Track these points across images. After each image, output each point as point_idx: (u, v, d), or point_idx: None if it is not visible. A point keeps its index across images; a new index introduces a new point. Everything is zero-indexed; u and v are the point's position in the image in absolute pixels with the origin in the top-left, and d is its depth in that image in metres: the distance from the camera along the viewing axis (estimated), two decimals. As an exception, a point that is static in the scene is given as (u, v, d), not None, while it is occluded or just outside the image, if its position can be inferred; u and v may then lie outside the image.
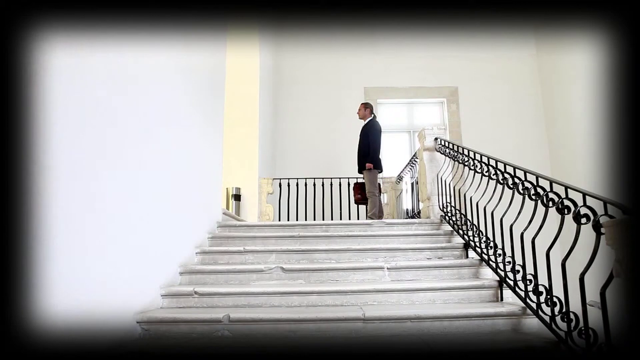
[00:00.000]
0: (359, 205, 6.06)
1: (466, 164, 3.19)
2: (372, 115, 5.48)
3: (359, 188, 5.56)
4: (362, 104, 5.59)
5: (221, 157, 4.01)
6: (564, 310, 1.88)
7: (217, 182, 3.89)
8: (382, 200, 5.71)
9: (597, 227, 1.66)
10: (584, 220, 1.76)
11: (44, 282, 1.49)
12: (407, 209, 5.84)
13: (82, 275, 1.76)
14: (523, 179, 2.30)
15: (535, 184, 2.19)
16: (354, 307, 2.37)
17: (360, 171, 5.33)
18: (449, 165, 3.75)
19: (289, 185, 6.61)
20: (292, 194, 6.71)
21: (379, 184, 5.35)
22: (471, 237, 3.02)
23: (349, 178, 6.29)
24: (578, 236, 1.82)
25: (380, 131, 5.32)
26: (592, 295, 1.81)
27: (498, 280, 2.55)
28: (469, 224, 3.15)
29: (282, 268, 2.80)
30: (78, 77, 1.74)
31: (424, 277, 2.81)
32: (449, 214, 3.60)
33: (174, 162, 2.81)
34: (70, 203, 1.67)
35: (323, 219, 6.63)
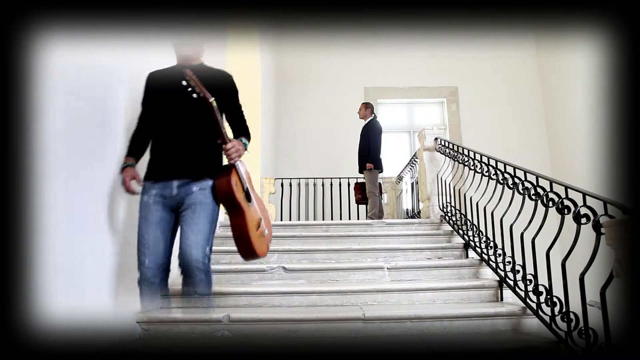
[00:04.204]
0: (359, 205, 6.07)
1: (466, 164, 3.19)
2: (373, 115, 5.48)
3: (360, 188, 5.56)
4: (362, 103, 5.59)
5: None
6: (564, 310, 1.88)
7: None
8: (382, 200, 5.72)
9: (597, 227, 1.66)
10: (584, 220, 1.76)
11: (44, 282, 1.49)
12: (407, 209, 5.85)
13: (83, 275, 1.76)
14: (523, 179, 2.30)
15: (535, 184, 2.20)
16: (354, 307, 2.37)
17: (360, 171, 5.33)
18: (449, 165, 3.76)
19: (290, 185, 6.62)
20: (294, 194, 6.71)
21: (380, 184, 5.35)
22: (471, 237, 3.02)
23: (349, 178, 6.30)
24: (578, 236, 1.82)
25: (381, 131, 5.32)
26: (592, 295, 1.81)
27: (498, 280, 2.55)
28: (469, 224, 3.15)
29: (284, 268, 2.80)
30: (78, 78, 1.74)
31: (424, 277, 2.82)
32: (449, 214, 3.60)
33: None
34: (71, 203, 1.67)
35: (323, 219, 6.64)
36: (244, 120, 2.23)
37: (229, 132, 2.10)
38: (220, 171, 2.07)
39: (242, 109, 2.25)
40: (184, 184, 2.03)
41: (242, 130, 2.20)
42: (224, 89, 2.16)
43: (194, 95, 1.89)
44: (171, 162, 2.04)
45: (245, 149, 2.13)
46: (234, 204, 2.03)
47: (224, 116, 2.11)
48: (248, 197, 2.12)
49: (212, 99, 1.89)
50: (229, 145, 2.01)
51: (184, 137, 2.05)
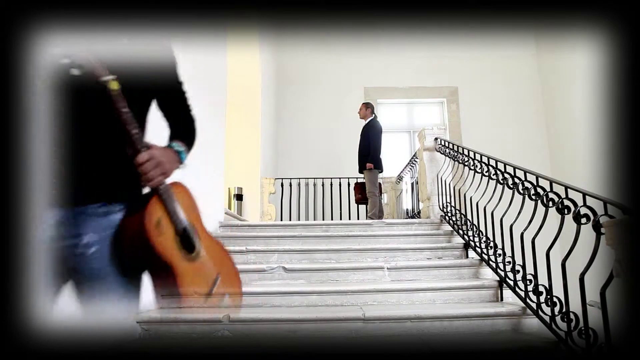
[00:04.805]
0: (359, 205, 6.07)
1: (466, 164, 3.19)
2: (373, 115, 5.49)
3: (360, 188, 5.57)
4: (362, 103, 5.60)
5: (223, 157, 4.01)
6: (564, 310, 1.88)
7: (219, 182, 3.90)
8: (382, 200, 5.72)
9: (597, 227, 1.66)
10: (584, 220, 1.76)
11: (43, 282, 1.49)
12: (407, 209, 5.85)
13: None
14: (523, 179, 2.30)
15: (535, 184, 2.20)
16: (354, 307, 2.37)
17: (360, 171, 5.34)
18: (449, 165, 3.76)
19: (290, 185, 6.62)
20: (294, 194, 6.71)
21: (380, 184, 5.35)
22: (471, 237, 3.02)
23: (349, 178, 6.30)
24: (578, 236, 1.82)
25: (381, 131, 5.32)
26: (592, 295, 1.81)
27: (498, 280, 2.55)
28: (469, 224, 3.15)
29: (284, 268, 2.80)
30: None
31: (424, 277, 2.81)
32: (449, 214, 3.60)
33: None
34: (70, 203, 1.67)
35: (323, 219, 6.65)
36: (188, 113, 1.30)
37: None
38: (135, 202, 1.13)
39: (186, 93, 1.32)
40: (70, 220, 1.13)
41: (182, 129, 1.26)
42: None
43: (74, 70, 1.08)
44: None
45: (181, 162, 1.21)
46: (152, 259, 1.11)
47: (154, 104, 1.27)
48: (188, 245, 1.18)
49: (108, 77, 1.09)
50: (143, 156, 1.06)
51: (70, 140, 1.15)
